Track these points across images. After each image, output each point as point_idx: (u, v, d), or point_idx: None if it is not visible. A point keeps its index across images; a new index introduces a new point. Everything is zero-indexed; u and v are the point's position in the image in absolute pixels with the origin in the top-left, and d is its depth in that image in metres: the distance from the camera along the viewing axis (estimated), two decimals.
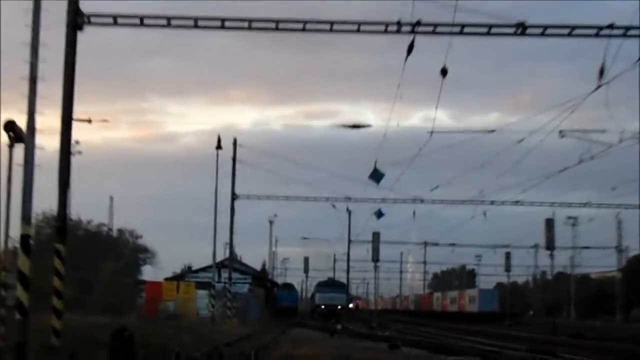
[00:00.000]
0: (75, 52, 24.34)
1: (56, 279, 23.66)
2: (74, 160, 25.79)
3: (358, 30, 25.29)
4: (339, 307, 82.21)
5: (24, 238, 21.15)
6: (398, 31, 24.87)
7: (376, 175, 36.20)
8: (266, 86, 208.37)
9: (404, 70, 27.45)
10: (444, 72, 25.32)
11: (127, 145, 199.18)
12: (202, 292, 66.74)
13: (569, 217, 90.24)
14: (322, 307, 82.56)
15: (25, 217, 21.10)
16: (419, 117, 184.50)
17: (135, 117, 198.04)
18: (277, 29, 25.29)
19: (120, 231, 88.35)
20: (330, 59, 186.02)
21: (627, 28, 24.65)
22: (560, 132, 46.42)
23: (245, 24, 25.38)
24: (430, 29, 24.92)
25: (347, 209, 79.38)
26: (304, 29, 25.27)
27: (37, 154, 21.35)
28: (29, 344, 21.05)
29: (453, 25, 24.59)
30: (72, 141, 25.03)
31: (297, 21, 25.32)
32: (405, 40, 25.10)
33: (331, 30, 25.22)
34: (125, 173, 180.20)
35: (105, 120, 50.59)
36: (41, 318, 23.54)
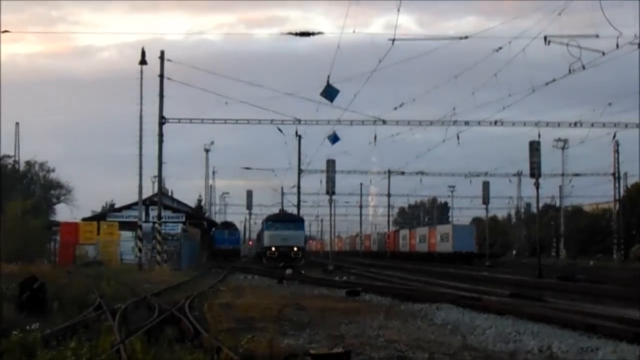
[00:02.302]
0: None
1: None
2: None
3: None
4: (295, 249, 73.30)
5: None
6: None
7: (329, 92, 36.19)
8: None
9: None
10: None
11: (34, 62, 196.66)
12: (127, 234, 66.78)
13: (558, 140, 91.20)
14: (273, 249, 73.42)
15: None
16: (380, 23, 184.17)
17: (44, 28, 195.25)
18: None
19: (28, 164, 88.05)
20: None
21: None
22: (546, 38, 46.59)
23: None
24: None
25: (296, 133, 79.10)
26: None
27: None
28: None
29: None
30: None
31: None
32: None
33: None
34: (33, 95, 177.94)
35: (5, 32, 49.98)
36: None
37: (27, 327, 19.45)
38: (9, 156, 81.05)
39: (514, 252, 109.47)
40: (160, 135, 61.53)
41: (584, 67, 44.27)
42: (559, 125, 72.27)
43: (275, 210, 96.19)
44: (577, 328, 22.31)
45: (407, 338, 20.94)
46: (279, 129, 68.92)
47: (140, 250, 60.49)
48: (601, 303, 31.41)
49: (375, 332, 22.13)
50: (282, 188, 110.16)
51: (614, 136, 78.12)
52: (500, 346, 19.62)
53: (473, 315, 26.98)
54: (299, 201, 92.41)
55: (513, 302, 29.82)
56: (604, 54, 42.94)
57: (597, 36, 43.61)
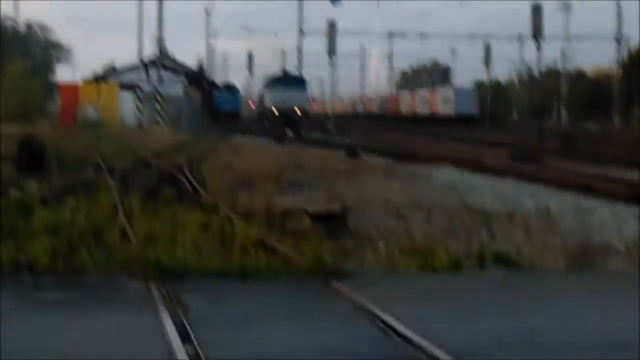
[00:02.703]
0: None
1: None
2: None
3: None
4: (298, 110, 69.18)
5: None
6: None
7: None
8: None
9: None
10: None
11: None
12: (128, 96, 66.36)
13: (561, 2, 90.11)
14: (275, 111, 69.50)
15: None
16: None
17: None
18: None
19: (28, 26, 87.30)
20: None
21: None
22: None
23: None
24: None
25: None
26: None
27: None
28: None
29: None
30: None
31: None
32: None
33: None
34: None
35: None
36: None
37: (25, 186, 19.45)
38: (8, 18, 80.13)
39: (515, 114, 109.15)
40: None
41: None
42: None
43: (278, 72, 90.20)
44: (575, 189, 22.34)
45: (405, 197, 20.91)
46: None
47: (140, 111, 60.33)
48: (600, 165, 31.41)
49: (374, 192, 22.11)
50: (283, 49, 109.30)
51: None
52: (497, 206, 19.62)
53: (472, 176, 26.98)
54: (300, 60, 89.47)
55: (512, 164, 29.85)
56: None
57: None
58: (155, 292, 10.00)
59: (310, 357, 7.82)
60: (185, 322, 8.62)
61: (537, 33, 63.80)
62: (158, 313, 9.06)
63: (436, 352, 7.51)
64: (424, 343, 7.78)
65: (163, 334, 8.22)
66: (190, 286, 10.50)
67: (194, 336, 8.10)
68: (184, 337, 8.07)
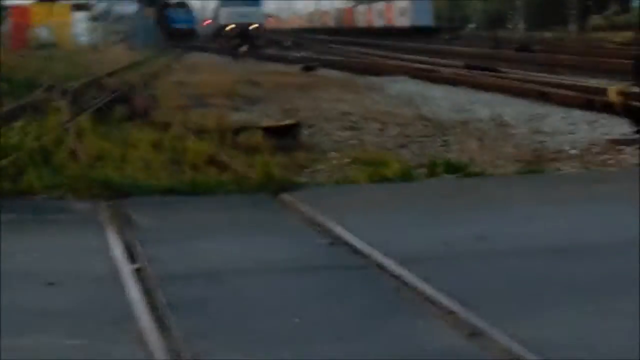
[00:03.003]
0: None
1: None
2: None
3: None
4: (254, 26, 68.38)
5: None
6: None
7: None
8: None
9: None
10: None
11: None
12: (81, 15, 65.64)
13: None
14: (230, 27, 68.33)
15: None
16: None
17: None
18: None
19: None
20: None
21: None
22: None
23: None
24: None
25: None
26: None
27: None
28: None
29: None
30: None
31: None
32: None
33: None
34: None
35: None
36: None
37: None
38: None
39: (473, 25, 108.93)
40: None
41: None
42: None
43: None
44: (530, 96, 22.36)
45: (361, 110, 20.87)
46: None
47: (94, 31, 59.76)
48: (556, 73, 31.43)
49: (329, 105, 22.04)
50: None
51: None
52: (452, 115, 19.63)
53: (428, 87, 26.95)
54: None
55: (468, 73, 29.79)
56: None
57: None
58: (103, 211, 9.92)
59: (255, 267, 7.80)
60: (132, 239, 8.58)
61: None
62: (104, 231, 9.00)
63: (383, 260, 7.50)
64: (372, 252, 7.77)
65: (108, 252, 8.16)
66: (139, 204, 10.42)
67: (141, 252, 8.06)
68: (130, 254, 8.03)
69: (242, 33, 65.34)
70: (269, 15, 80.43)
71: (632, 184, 11.63)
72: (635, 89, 16.52)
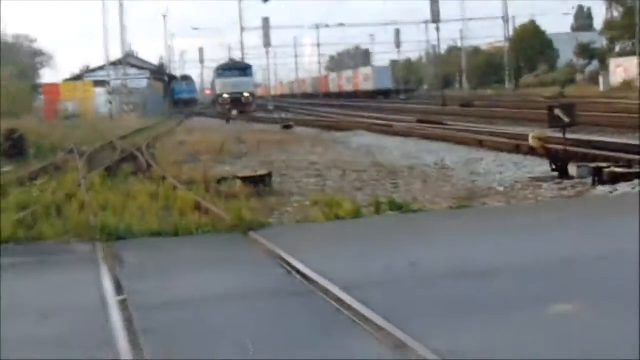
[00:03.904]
0: None
1: None
2: None
3: None
4: (246, 94, 66.14)
5: None
6: None
7: None
8: None
9: None
10: None
11: None
12: (100, 90, 65.89)
13: None
14: (225, 96, 66.34)
15: None
16: None
17: None
18: None
19: (16, 37, 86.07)
20: None
21: None
22: None
23: None
24: None
25: None
26: None
27: None
28: None
29: None
30: None
31: None
32: None
33: None
34: None
35: None
36: None
37: (3, 170, 19.19)
38: None
39: (426, 87, 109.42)
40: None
41: None
42: None
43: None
44: (469, 144, 22.40)
45: (327, 160, 20.90)
46: None
47: (110, 102, 60.02)
48: (492, 123, 31.54)
49: (300, 157, 22.03)
50: (229, 44, 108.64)
51: None
52: (402, 162, 19.63)
53: (384, 139, 27.01)
54: (242, 51, 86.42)
55: (418, 127, 29.84)
56: None
57: None
58: (99, 252, 9.80)
59: (220, 295, 7.66)
60: (120, 275, 8.46)
61: (435, 18, 63.97)
62: (99, 269, 8.88)
63: (328, 286, 7.39)
64: (320, 279, 7.66)
65: (100, 286, 8.04)
66: (130, 245, 10.30)
67: (127, 286, 7.94)
68: (118, 288, 7.92)
69: (235, 100, 64.26)
70: (257, 85, 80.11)
71: (546, 215, 11.60)
72: (550, 134, 16.56)
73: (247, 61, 74.65)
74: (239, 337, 6.24)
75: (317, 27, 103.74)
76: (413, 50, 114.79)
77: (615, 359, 5.46)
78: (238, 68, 70.45)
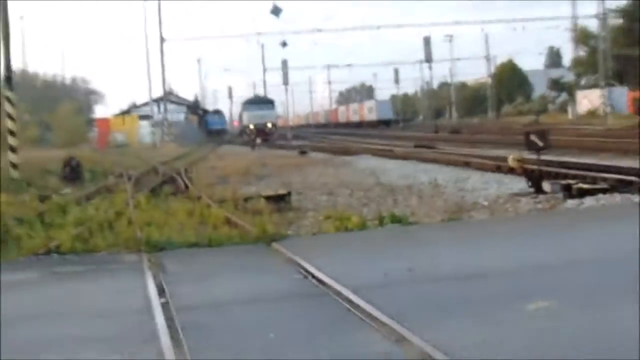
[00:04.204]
0: None
1: (9, 121, 23.26)
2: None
3: None
4: (269, 125, 64.80)
5: None
6: None
7: (275, 10, 35.55)
8: None
9: None
10: None
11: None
12: (145, 123, 66.10)
13: (446, 35, 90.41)
14: (251, 126, 64.65)
15: None
16: None
17: None
18: None
19: (73, 79, 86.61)
20: None
21: None
22: None
23: None
24: None
25: (259, 43, 76.13)
26: None
27: None
28: None
29: None
30: None
31: None
32: None
33: None
34: (72, 23, 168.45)
35: None
36: (3, 156, 23.13)
37: (63, 192, 19.23)
38: (58, 75, 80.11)
39: (421, 117, 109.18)
40: (162, 51, 60.68)
41: None
42: (445, 24, 71.47)
43: None
44: (457, 165, 22.33)
45: (337, 180, 20.85)
46: (248, 41, 66.91)
47: (153, 133, 60.23)
48: (477, 147, 31.45)
49: (314, 178, 21.99)
50: (254, 82, 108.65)
51: (482, 30, 78.15)
52: (401, 181, 19.57)
53: (386, 161, 26.93)
54: (264, 88, 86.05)
55: (415, 151, 29.80)
56: None
57: None
58: (145, 261, 9.80)
59: (246, 297, 7.65)
60: (163, 281, 8.46)
61: (428, 58, 64.03)
62: (144, 275, 8.88)
63: (338, 287, 7.38)
64: (330, 282, 7.65)
65: (145, 290, 8.05)
66: (171, 255, 10.30)
67: (168, 290, 7.94)
68: (161, 291, 7.92)
69: (259, 130, 63.25)
70: (278, 116, 79.70)
71: (524, 226, 11.58)
72: (527, 156, 16.52)
73: (269, 96, 74.32)
74: (264, 332, 6.24)
75: (328, 67, 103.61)
76: (409, 85, 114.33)
77: (578, 339, 5.49)
78: (262, 102, 69.42)
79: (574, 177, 15.05)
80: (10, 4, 24.17)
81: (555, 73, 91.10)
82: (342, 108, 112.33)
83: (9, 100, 23.31)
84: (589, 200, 13.07)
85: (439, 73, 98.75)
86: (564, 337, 5.63)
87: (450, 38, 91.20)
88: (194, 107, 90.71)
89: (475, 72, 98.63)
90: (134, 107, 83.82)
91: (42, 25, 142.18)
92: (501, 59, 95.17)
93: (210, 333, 6.36)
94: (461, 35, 71.86)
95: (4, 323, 6.95)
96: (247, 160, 31.13)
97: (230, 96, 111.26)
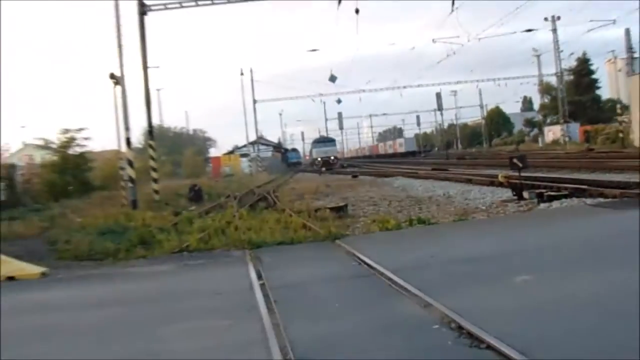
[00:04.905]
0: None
1: (151, 161, 23.72)
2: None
3: None
4: (332, 157, 62.73)
5: (127, 140, 21.13)
6: None
7: (332, 78, 35.80)
8: None
9: None
10: None
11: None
12: (244, 159, 66.63)
13: (452, 91, 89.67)
14: (319, 159, 62.57)
15: (126, 127, 21.06)
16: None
17: None
18: None
19: (194, 130, 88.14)
20: None
21: None
22: (433, 40, 46.36)
23: None
24: None
25: (321, 101, 76.57)
26: None
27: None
28: (139, 200, 21.00)
29: None
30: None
31: None
32: None
33: None
34: (193, 90, 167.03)
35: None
36: (147, 186, 23.57)
37: (190, 209, 19.46)
38: (184, 128, 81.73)
39: (436, 148, 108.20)
40: (254, 110, 61.15)
41: (454, 53, 43.78)
42: (450, 83, 70.92)
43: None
44: (463, 181, 22.00)
45: (379, 194, 20.68)
46: (312, 100, 67.08)
47: (250, 166, 60.73)
48: (476, 168, 30.97)
49: (363, 194, 21.86)
50: (319, 130, 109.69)
51: (477, 86, 77.31)
52: (424, 194, 19.36)
53: (413, 181, 26.63)
54: (326, 132, 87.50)
55: (432, 172, 29.45)
56: (462, 45, 41.90)
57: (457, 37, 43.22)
58: (247, 256, 9.85)
59: (318, 279, 7.63)
60: (260, 269, 8.50)
61: (440, 107, 63.54)
62: (247, 265, 8.93)
63: (383, 270, 7.32)
64: (376, 266, 7.60)
65: (248, 275, 8.09)
66: (265, 251, 10.33)
67: (264, 275, 7.98)
68: (259, 276, 7.95)
69: (325, 161, 62.29)
70: (338, 151, 79.58)
71: (511, 222, 11.34)
72: (511, 174, 16.22)
73: (331, 136, 74.90)
74: (332, 302, 6.24)
75: (370, 116, 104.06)
76: (428, 126, 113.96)
77: (553, 298, 5.33)
78: (326, 141, 68.90)
79: (544, 187, 14.73)
80: (150, 76, 24.67)
81: (528, 115, 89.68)
82: (381, 144, 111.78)
83: (151, 146, 23.92)
84: (555, 203, 12.78)
85: (448, 117, 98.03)
86: (543, 298, 5.53)
87: (454, 93, 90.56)
88: (278, 147, 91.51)
89: (473, 116, 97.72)
90: (237, 148, 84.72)
91: (172, 93, 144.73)
92: (491, 106, 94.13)
93: (294, 304, 6.38)
94: (462, 91, 71.57)
95: (155, 299, 7.09)
96: (316, 183, 31.16)
97: (303, 138, 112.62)
